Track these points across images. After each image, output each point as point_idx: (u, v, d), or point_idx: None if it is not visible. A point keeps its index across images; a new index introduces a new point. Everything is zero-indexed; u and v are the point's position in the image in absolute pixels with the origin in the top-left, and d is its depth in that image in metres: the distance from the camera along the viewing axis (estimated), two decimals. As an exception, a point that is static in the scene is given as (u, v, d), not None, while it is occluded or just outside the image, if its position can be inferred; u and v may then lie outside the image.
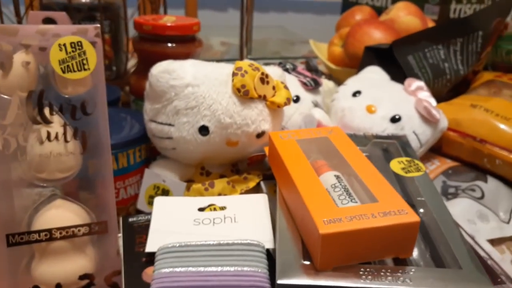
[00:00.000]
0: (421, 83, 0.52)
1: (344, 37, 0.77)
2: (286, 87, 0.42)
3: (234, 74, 0.39)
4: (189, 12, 1.31)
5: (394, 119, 0.49)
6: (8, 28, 0.31)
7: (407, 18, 0.75)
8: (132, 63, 0.67)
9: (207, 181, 0.41)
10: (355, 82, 0.55)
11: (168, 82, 0.38)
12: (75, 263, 0.31)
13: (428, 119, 0.49)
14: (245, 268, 0.30)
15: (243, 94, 0.38)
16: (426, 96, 0.51)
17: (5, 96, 0.30)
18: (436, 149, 0.55)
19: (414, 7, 0.77)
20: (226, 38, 1.16)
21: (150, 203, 0.41)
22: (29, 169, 0.31)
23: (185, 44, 0.49)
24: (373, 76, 0.56)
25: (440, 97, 0.61)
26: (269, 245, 0.33)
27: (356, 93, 0.53)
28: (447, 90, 0.62)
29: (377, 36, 0.69)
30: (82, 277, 0.31)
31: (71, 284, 0.30)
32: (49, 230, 0.30)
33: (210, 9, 1.60)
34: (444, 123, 0.51)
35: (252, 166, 0.43)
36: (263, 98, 0.40)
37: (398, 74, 0.57)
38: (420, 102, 0.49)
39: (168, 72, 0.38)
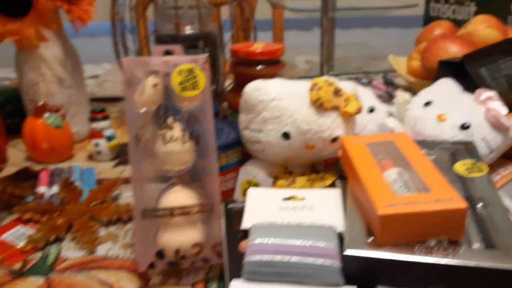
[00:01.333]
0: (491, 93, 0.55)
1: (422, 51, 0.81)
2: (357, 99, 0.48)
3: (311, 89, 0.47)
4: (276, 33, 1.41)
5: (464, 127, 0.53)
6: (143, 60, 0.42)
7: (486, 31, 0.77)
8: (227, 83, 0.78)
9: (290, 178, 0.49)
10: (427, 93, 0.60)
11: (258, 98, 0.47)
12: (189, 234, 0.40)
13: (498, 127, 0.52)
14: (319, 243, 0.37)
15: (318, 106, 0.46)
16: (496, 105, 0.53)
17: (141, 110, 0.42)
18: None
19: (494, 19, 0.78)
20: (311, 56, 1.24)
21: (244, 194, 0.50)
22: (157, 163, 0.41)
23: (271, 66, 0.59)
24: (445, 88, 0.60)
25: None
26: (340, 229, 0.40)
27: (427, 103, 0.57)
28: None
29: (453, 50, 0.72)
30: (194, 245, 0.40)
31: (187, 250, 0.40)
32: (171, 208, 0.40)
33: (296, 29, 1.70)
34: (515, 130, 0.53)
35: (328, 167, 0.51)
36: (336, 108, 0.47)
37: (472, 86, 0.60)
38: (489, 112, 0.52)
39: (257, 90, 0.47)
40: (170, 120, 0.41)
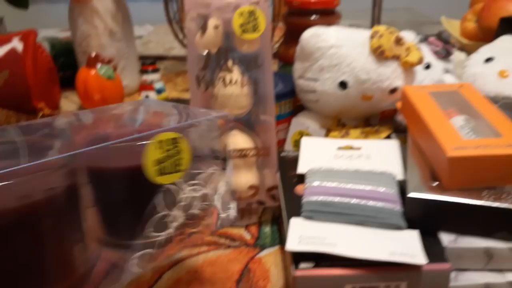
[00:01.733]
0: (560, 49, 0.52)
1: (478, 12, 0.77)
2: (418, 49, 0.47)
3: (371, 37, 0.45)
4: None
5: (528, 84, 0.50)
6: (205, 2, 0.42)
7: (552, -11, 0.72)
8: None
9: (343, 130, 0.48)
10: (488, 49, 0.57)
11: (315, 45, 0.46)
12: (246, 176, 0.41)
13: None
14: (379, 188, 0.36)
15: (378, 54, 0.45)
16: None
17: (202, 52, 0.41)
18: None
19: (560, -23, 0.73)
20: (353, 20, 1.21)
21: (296, 145, 0.49)
22: (216, 105, 0.41)
23: (327, 16, 0.57)
24: (507, 44, 0.57)
25: None
26: (399, 177, 0.39)
27: (488, 60, 0.55)
28: None
29: (515, 7, 0.68)
30: (250, 187, 0.41)
31: (243, 192, 0.41)
32: (229, 151, 0.40)
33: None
34: None
35: (383, 121, 0.49)
36: (397, 58, 0.45)
37: (536, 43, 0.57)
38: (558, 67, 0.50)
39: (316, 36, 0.46)
40: (229, 63, 0.41)
